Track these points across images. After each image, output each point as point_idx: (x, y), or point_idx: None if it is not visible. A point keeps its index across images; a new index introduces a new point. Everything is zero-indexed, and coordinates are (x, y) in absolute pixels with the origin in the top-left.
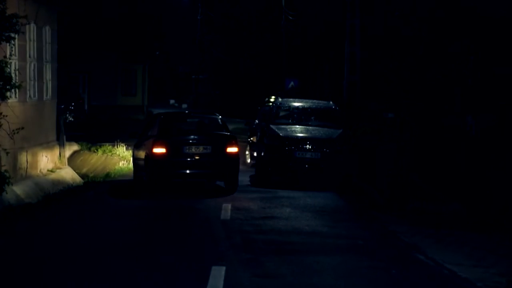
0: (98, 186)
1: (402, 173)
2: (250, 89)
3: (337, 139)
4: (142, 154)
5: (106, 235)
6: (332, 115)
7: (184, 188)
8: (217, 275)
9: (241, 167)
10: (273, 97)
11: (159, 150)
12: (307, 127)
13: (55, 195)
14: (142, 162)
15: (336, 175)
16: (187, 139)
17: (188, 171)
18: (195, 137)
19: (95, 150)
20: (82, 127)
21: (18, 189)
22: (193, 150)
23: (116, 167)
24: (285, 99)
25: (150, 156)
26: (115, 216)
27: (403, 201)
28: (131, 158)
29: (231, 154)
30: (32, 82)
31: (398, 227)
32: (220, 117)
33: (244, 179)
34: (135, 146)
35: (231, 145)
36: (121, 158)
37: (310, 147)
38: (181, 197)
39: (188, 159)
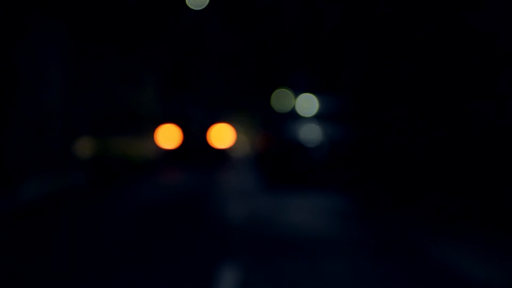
0: (106, 183)
1: (411, 173)
2: (259, 84)
3: (347, 138)
4: None
5: (113, 232)
6: (342, 111)
7: (192, 187)
8: (227, 277)
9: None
10: (281, 90)
11: None
12: (316, 125)
13: (61, 194)
14: None
15: (345, 175)
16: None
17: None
18: None
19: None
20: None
21: (28, 186)
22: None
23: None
24: (296, 93)
25: None
26: (124, 213)
27: (414, 200)
28: None
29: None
30: (39, 84)
31: (408, 226)
32: None
33: (252, 180)
34: None
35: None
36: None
37: (318, 147)
38: (189, 195)
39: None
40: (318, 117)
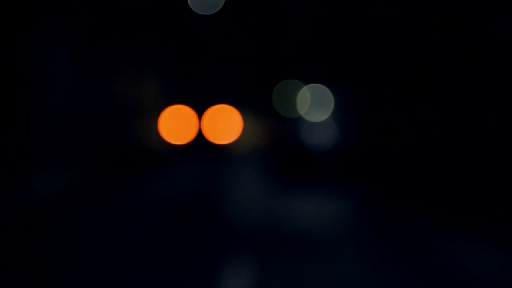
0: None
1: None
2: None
3: (359, 134)
4: None
5: (118, 232)
6: (354, 104)
7: (195, 188)
8: (228, 279)
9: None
10: (288, 82)
11: None
12: (326, 119)
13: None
14: None
15: (357, 172)
16: None
17: None
18: None
19: None
20: None
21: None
22: None
23: None
24: (304, 87)
25: None
26: (126, 214)
27: (425, 196)
28: None
29: None
30: (44, 80)
31: (420, 227)
32: None
33: (259, 182)
34: None
35: None
36: None
37: (329, 145)
38: (191, 197)
39: None
40: (332, 116)
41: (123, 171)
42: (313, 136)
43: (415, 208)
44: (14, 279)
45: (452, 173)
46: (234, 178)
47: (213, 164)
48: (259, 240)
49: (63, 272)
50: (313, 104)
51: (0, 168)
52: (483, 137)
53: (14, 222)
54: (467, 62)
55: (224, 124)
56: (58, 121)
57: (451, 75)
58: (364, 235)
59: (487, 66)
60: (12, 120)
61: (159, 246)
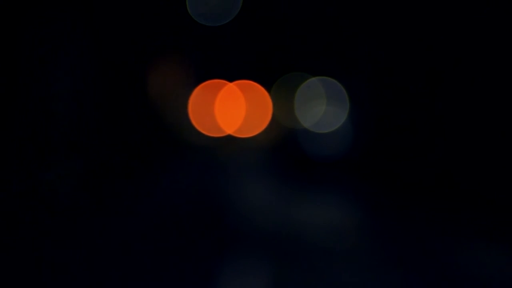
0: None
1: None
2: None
3: (364, 131)
4: None
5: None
6: (361, 97)
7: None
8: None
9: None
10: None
11: None
12: (330, 114)
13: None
14: None
15: (364, 170)
16: None
17: None
18: None
19: None
20: None
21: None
22: None
23: None
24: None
25: None
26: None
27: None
28: None
29: None
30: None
31: (435, 227)
32: None
33: (265, 180)
34: None
35: None
36: None
37: (332, 142)
38: (198, 202)
39: None
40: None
41: (136, 168)
42: (322, 147)
43: (428, 209)
44: (13, 280)
45: (462, 171)
46: (245, 181)
47: (222, 164)
48: (271, 248)
49: (58, 273)
50: (327, 105)
51: (2, 165)
52: (491, 135)
53: (14, 221)
54: (478, 60)
55: (246, 109)
56: (67, 113)
57: (459, 74)
58: (376, 240)
59: (495, 64)
60: (20, 113)
61: (160, 252)
